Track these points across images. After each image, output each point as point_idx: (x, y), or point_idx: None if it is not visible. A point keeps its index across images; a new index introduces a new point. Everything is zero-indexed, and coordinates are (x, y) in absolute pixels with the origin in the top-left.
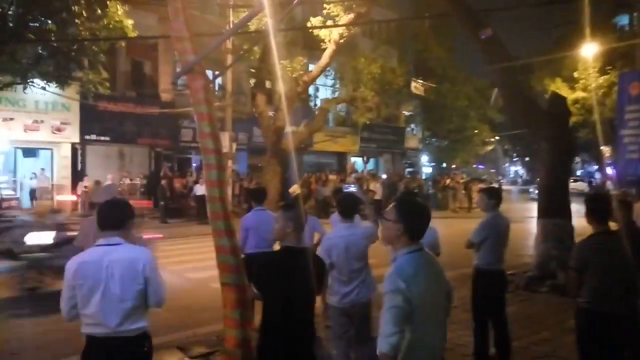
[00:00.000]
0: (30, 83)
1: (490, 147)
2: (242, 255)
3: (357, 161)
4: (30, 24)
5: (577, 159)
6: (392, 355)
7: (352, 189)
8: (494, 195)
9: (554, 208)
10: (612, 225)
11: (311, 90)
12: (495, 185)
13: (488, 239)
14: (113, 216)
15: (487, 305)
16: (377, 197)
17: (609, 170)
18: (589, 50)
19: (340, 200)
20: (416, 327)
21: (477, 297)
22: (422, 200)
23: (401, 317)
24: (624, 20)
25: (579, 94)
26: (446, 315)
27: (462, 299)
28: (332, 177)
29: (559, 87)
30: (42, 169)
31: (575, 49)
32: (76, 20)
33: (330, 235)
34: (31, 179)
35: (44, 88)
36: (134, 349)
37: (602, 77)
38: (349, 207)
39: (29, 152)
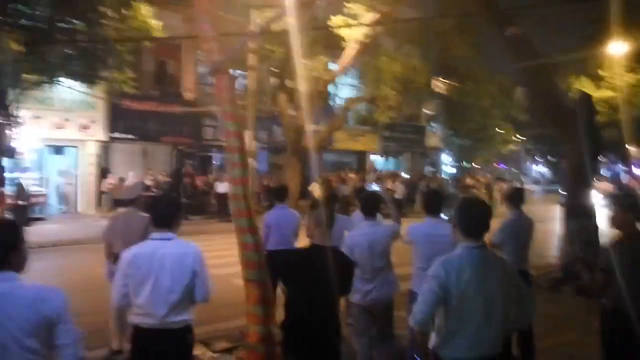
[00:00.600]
0: (58, 82)
1: (513, 147)
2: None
3: (376, 160)
4: (60, 25)
5: (604, 159)
6: (418, 330)
7: (375, 187)
8: (517, 195)
9: (579, 208)
10: None
11: (332, 89)
12: (518, 185)
13: (510, 239)
14: (167, 213)
15: None
16: (398, 195)
17: (636, 171)
18: (617, 48)
19: (363, 199)
20: (453, 314)
21: None
22: (477, 199)
23: (433, 300)
24: None
25: (606, 93)
26: (501, 319)
27: None
28: (351, 175)
29: (584, 85)
30: (68, 169)
31: (602, 47)
32: (103, 21)
33: (353, 233)
34: (58, 176)
35: (71, 87)
36: (178, 341)
37: (630, 76)
38: (371, 205)
39: (56, 150)
